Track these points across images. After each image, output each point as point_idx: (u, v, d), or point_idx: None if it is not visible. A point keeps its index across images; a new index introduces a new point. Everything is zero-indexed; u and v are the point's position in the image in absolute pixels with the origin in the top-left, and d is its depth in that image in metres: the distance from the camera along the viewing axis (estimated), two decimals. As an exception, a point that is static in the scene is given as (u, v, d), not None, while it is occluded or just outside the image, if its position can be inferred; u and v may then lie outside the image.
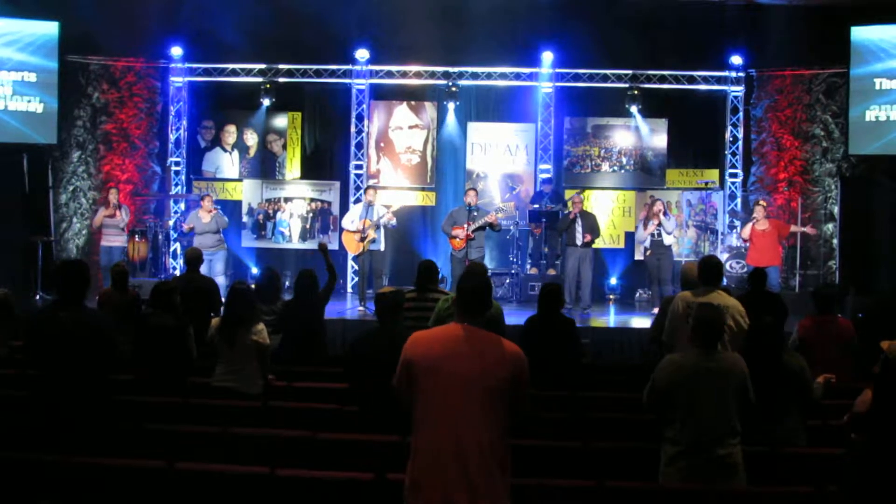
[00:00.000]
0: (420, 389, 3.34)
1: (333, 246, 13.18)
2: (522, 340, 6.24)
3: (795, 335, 6.42)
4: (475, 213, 10.42)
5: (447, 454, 3.23)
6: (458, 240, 10.42)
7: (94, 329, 4.49)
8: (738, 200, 12.76)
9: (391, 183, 13.19)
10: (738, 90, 12.77)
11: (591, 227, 10.84)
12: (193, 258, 8.12)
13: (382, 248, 10.70)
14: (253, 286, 7.31)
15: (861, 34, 11.61)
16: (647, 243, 10.73)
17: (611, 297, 12.69)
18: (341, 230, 12.77)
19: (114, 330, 4.66)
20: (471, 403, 3.26)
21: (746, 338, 5.21)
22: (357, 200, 12.90)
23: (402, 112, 13.32)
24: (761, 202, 11.20)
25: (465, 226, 10.29)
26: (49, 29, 11.95)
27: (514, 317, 8.32)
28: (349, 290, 12.84)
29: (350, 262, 12.96)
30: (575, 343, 6.36)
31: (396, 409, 3.52)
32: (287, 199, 13.36)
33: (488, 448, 3.25)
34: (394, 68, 12.96)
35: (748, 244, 10.94)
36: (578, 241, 10.77)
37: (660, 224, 10.55)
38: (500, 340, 3.41)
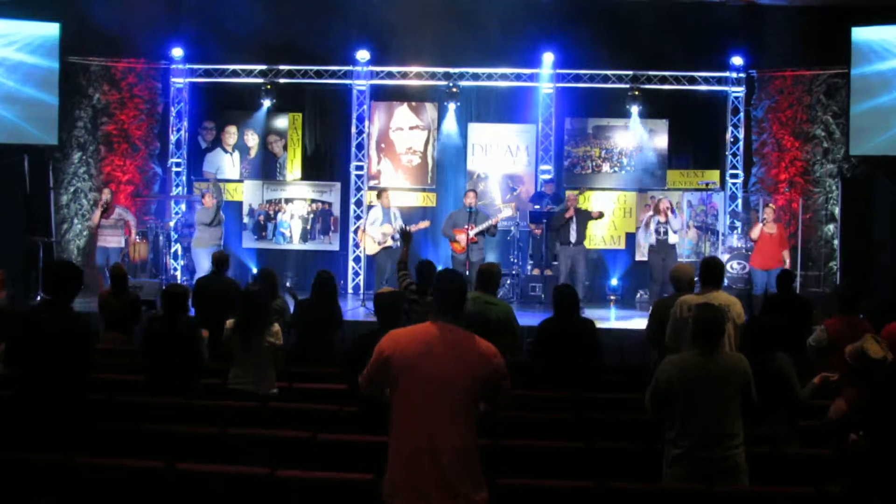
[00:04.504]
0: (396, 388, 3.36)
1: (334, 247, 13.25)
2: (536, 344, 6.22)
3: (825, 335, 6.36)
4: (475, 215, 10.43)
5: (422, 453, 3.26)
6: (459, 244, 10.44)
7: (71, 330, 4.49)
8: (739, 201, 12.75)
9: (392, 184, 13.18)
10: (738, 91, 12.77)
11: (582, 224, 10.87)
12: (221, 260, 8.05)
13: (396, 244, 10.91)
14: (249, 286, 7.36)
15: (862, 34, 11.60)
16: (653, 240, 10.68)
17: (611, 297, 12.68)
18: (346, 229, 12.95)
19: (91, 331, 4.67)
20: (446, 403, 3.29)
21: (743, 336, 5.19)
22: (358, 201, 12.94)
23: (402, 113, 13.33)
24: (771, 205, 11.20)
25: (467, 228, 10.30)
26: (50, 30, 11.95)
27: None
28: (349, 290, 12.84)
29: (351, 264, 12.97)
30: (596, 345, 6.26)
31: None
32: (288, 200, 13.36)
33: (463, 447, 3.28)
34: (394, 69, 12.96)
35: (753, 245, 10.92)
36: (572, 240, 10.78)
37: (666, 221, 10.53)
38: (475, 339, 3.43)
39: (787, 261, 10.95)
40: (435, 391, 3.29)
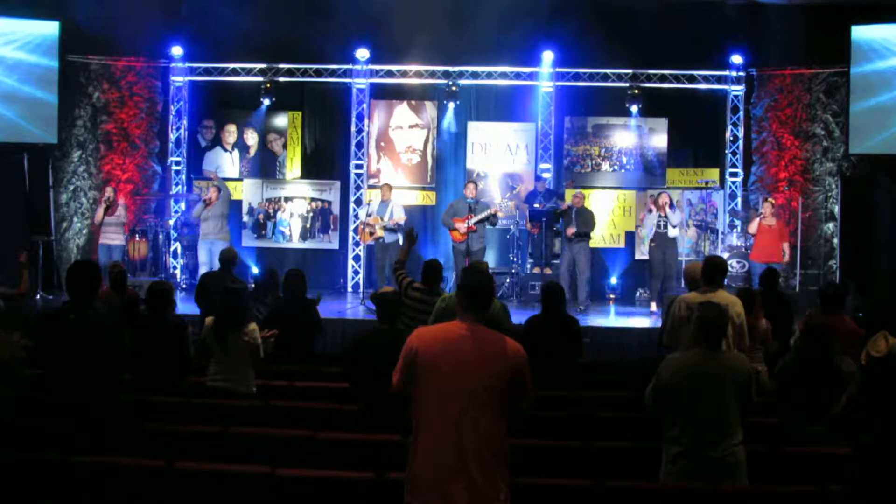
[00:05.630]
0: (420, 386, 3.36)
1: (333, 245, 13.25)
2: (524, 339, 6.24)
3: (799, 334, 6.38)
4: (475, 206, 10.47)
5: (447, 452, 3.25)
6: (459, 232, 10.47)
7: (103, 330, 4.50)
8: (739, 200, 12.75)
9: (391, 182, 13.15)
10: (738, 89, 12.76)
11: (583, 223, 10.88)
12: (228, 259, 8.06)
13: (401, 242, 10.83)
14: (252, 284, 7.31)
15: (862, 33, 11.61)
16: (652, 234, 10.70)
17: (611, 296, 12.69)
18: (346, 227, 13.07)
19: (122, 331, 4.67)
20: (471, 402, 3.29)
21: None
22: (358, 200, 12.95)
23: (402, 111, 13.32)
24: (770, 199, 11.21)
25: (467, 218, 10.34)
26: (49, 28, 11.95)
27: (515, 316, 8.33)
28: (349, 289, 12.84)
29: (350, 262, 12.97)
30: (575, 341, 6.33)
31: (396, 409, 3.52)
32: (287, 199, 13.36)
33: (488, 446, 3.28)
34: (394, 68, 12.96)
35: (753, 239, 10.93)
36: (576, 231, 10.84)
37: (665, 216, 10.55)
38: (502, 339, 3.42)
39: (788, 253, 10.96)
40: (459, 390, 3.29)
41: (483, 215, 10.47)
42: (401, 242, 10.72)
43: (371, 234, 11.01)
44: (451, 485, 3.22)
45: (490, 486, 3.26)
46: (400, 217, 10.92)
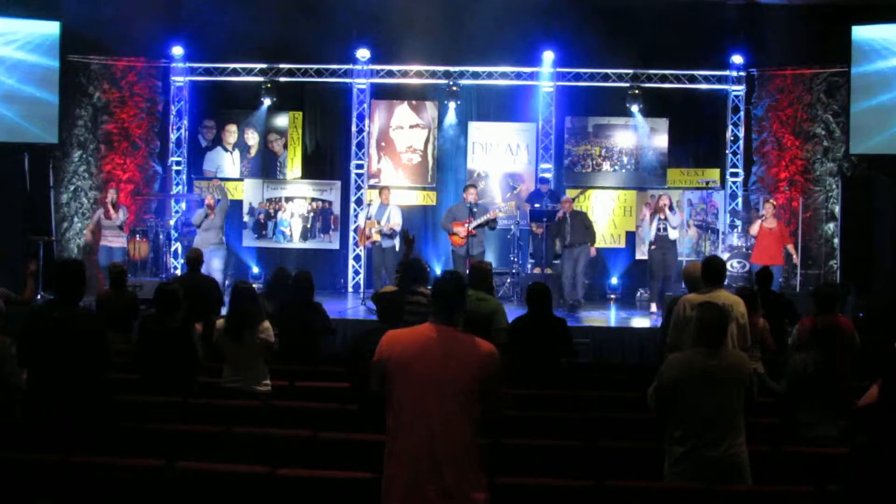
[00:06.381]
0: (393, 390, 3.39)
1: (334, 245, 13.26)
2: (510, 339, 6.24)
3: (795, 335, 6.37)
4: (475, 210, 10.47)
5: (420, 454, 3.28)
6: (458, 236, 10.48)
7: (87, 329, 4.51)
8: (739, 200, 12.75)
9: (392, 182, 13.15)
10: (738, 89, 12.76)
11: (584, 228, 10.88)
12: (194, 259, 8.15)
13: (398, 248, 10.80)
14: (263, 284, 7.30)
15: (862, 33, 11.60)
16: (653, 237, 10.71)
17: (612, 296, 12.68)
18: (346, 227, 13.08)
19: (106, 330, 4.68)
20: (443, 404, 3.31)
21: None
22: (359, 200, 12.95)
23: (402, 111, 13.32)
24: (771, 200, 11.21)
25: (466, 222, 10.34)
26: (50, 28, 11.95)
27: (515, 317, 8.34)
28: (350, 289, 12.85)
29: (351, 262, 12.98)
30: (565, 342, 6.31)
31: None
32: (288, 199, 13.36)
33: (461, 449, 3.30)
34: (394, 68, 12.96)
35: (753, 241, 10.95)
36: (566, 241, 10.88)
37: (666, 218, 10.56)
38: (472, 340, 3.45)
39: (794, 255, 10.98)
40: (431, 393, 3.32)
41: (482, 220, 10.47)
42: (397, 248, 10.73)
43: (367, 237, 11.00)
44: (426, 485, 3.25)
45: (465, 486, 3.28)
46: (396, 223, 10.87)
